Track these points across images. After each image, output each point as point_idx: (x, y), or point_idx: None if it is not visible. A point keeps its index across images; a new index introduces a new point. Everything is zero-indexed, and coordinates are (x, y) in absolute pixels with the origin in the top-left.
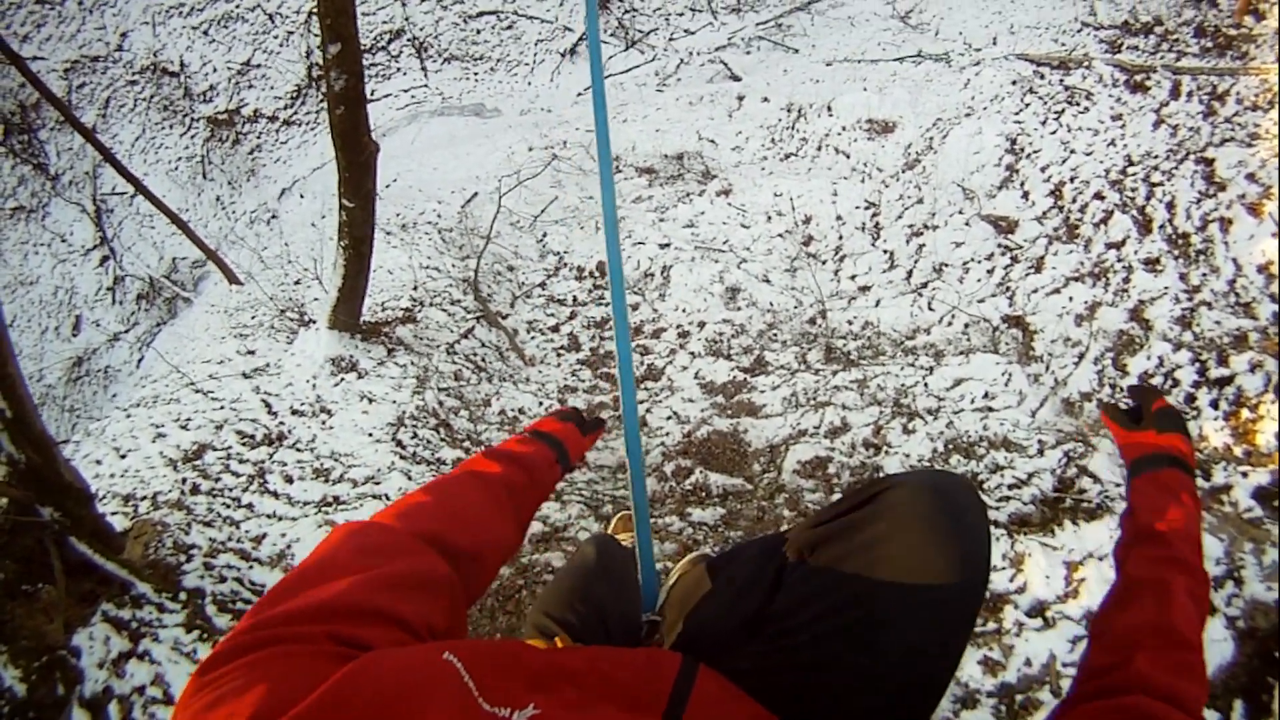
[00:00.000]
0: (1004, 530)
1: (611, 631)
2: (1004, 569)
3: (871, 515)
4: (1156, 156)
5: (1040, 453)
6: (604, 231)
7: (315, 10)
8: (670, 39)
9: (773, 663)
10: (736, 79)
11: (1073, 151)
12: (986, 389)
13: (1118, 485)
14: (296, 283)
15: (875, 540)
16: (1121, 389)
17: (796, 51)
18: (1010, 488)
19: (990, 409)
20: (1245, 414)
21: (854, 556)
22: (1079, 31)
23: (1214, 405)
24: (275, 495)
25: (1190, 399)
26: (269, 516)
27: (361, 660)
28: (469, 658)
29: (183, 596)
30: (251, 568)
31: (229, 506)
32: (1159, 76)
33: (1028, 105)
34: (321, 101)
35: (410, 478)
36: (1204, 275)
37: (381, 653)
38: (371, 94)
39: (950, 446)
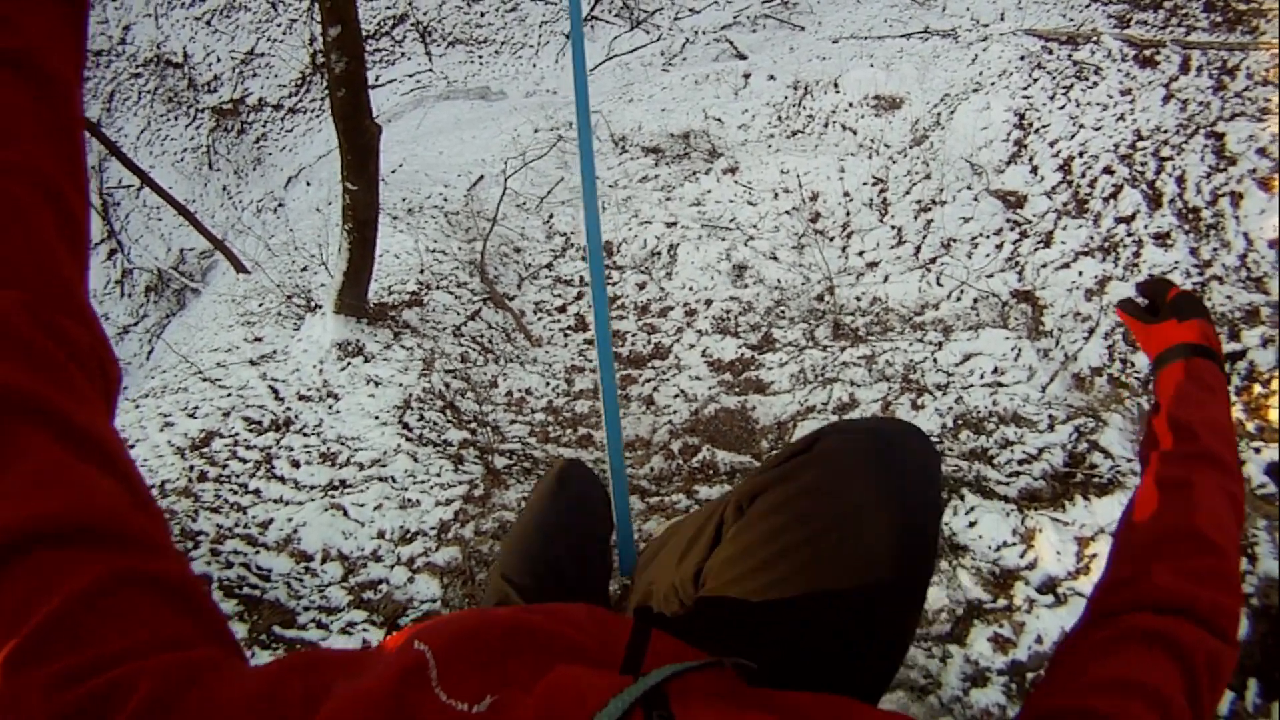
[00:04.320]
0: (1014, 506)
1: (573, 593)
2: (1015, 545)
3: (805, 463)
4: (1166, 131)
5: (1051, 428)
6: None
7: None
8: (676, 18)
9: (708, 618)
10: (742, 57)
11: (1081, 126)
12: (996, 364)
13: (1129, 460)
14: (303, 269)
15: (805, 490)
16: (1131, 359)
17: (803, 29)
18: (1020, 463)
19: (1000, 384)
20: (1258, 389)
21: (785, 507)
22: (1087, 6)
23: (1225, 381)
24: (282, 480)
25: None
26: (276, 501)
27: (313, 657)
28: (439, 643)
29: None
30: (258, 553)
31: (236, 493)
32: (1168, 51)
33: (1036, 80)
34: (325, 89)
35: (416, 459)
36: (1215, 250)
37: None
38: (376, 80)
39: (960, 422)
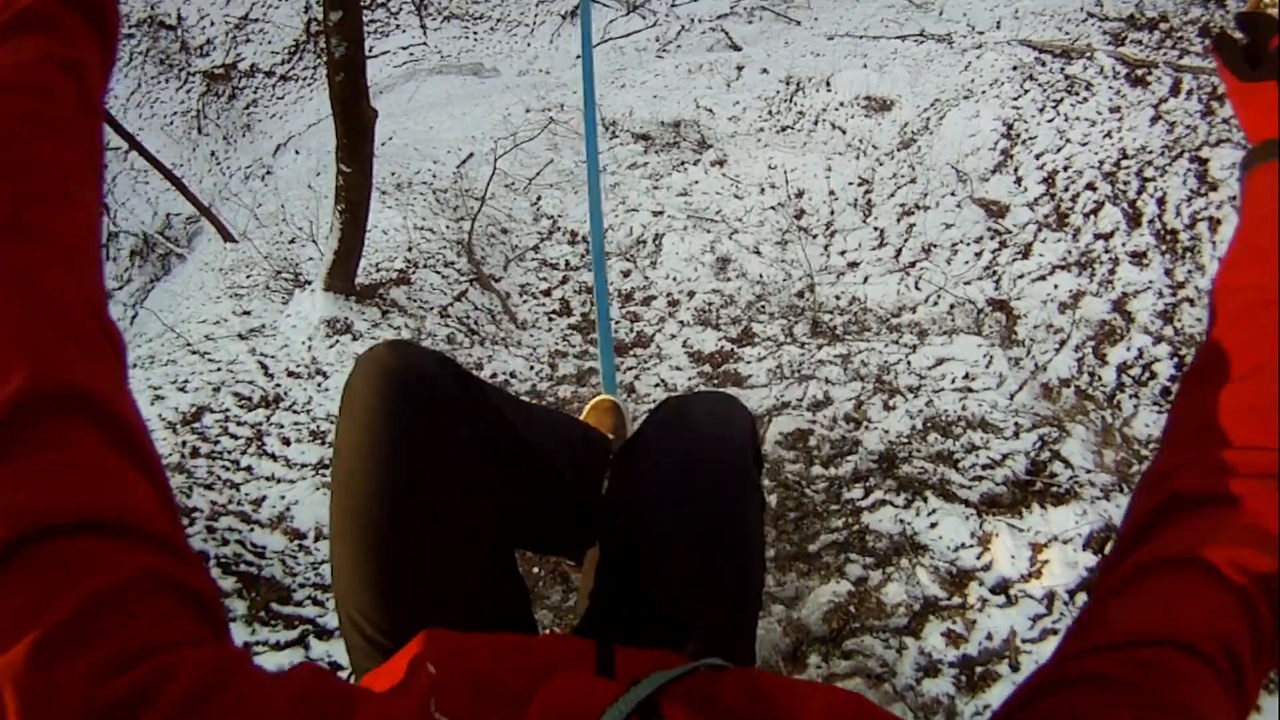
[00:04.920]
0: (974, 510)
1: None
2: (972, 547)
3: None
4: (1151, 152)
5: (1016, 435)
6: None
7: None
8: (673, 4)
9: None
10: (737, 49)
11: (1068, 140)
12: (967, 370)
13: (1089, 471)
14: (291, 241)
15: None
16: (1099, 372)
17: (799, 24)
18: (984, 468)
19: (970, 389)
20: None
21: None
22: (1084, 21)
23: None
24: (273, 458)
25: (1165, 392)
26: (268, 479)
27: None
28: (441, 663)
29: None
30: (252, 530)
31: (228, 469)
32: (1160, 73)
33: (1027, 92)
34: (319, 57)
35: None
36: (1189, 272)
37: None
38: (369, 51)
39: (928, 424)
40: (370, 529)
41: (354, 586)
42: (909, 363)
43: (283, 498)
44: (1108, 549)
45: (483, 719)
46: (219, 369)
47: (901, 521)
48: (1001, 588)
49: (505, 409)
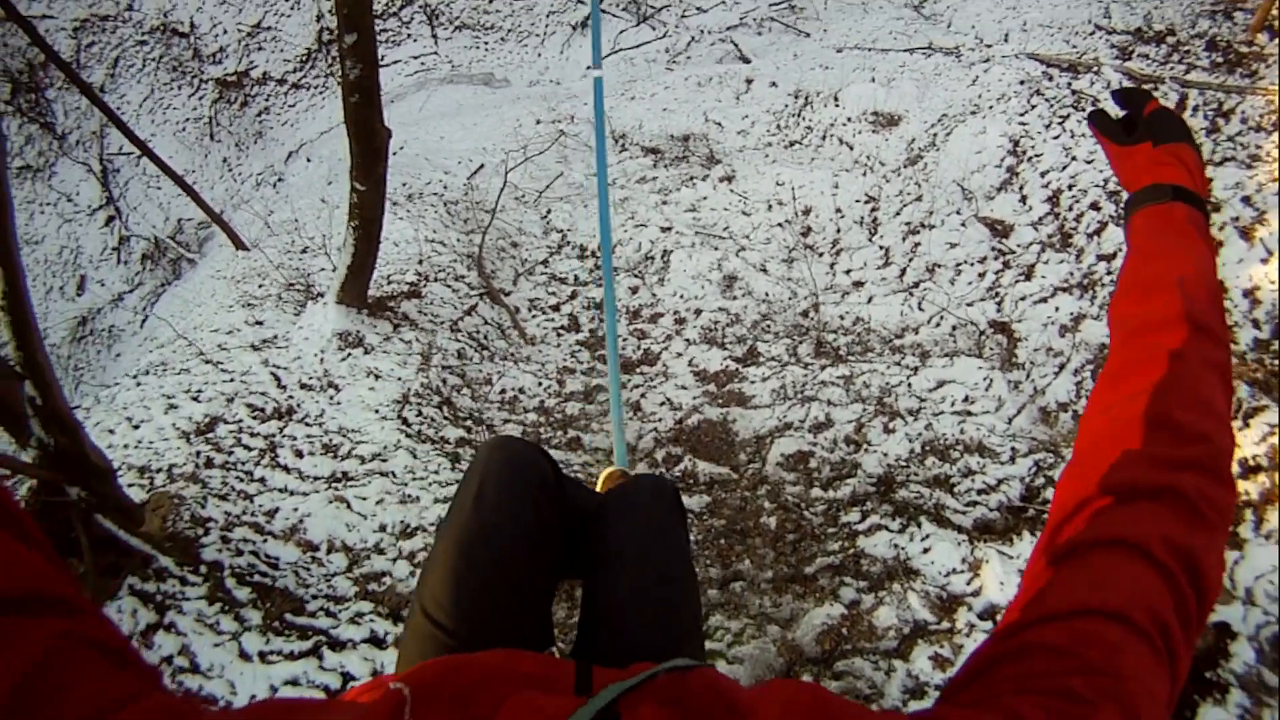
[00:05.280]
0: (966, 536)
1: (507, 621)
2: (963, 572)
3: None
4: None
5: (1012, 460)
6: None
7: None
8: (682, 16)
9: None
10: (746, 61)
11: (1073, 158)
12: (967, 393)
13: None
14: (304, 251)
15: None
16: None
17: (808, 35)
18: (979, 493)
19: (969, 413)
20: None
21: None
22: (1091, 34)
23: None
24: (286, 470)
25: None
26: (281, 491)
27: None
28: (416, 683)
29: (203, 570)
30: (266, 541)
31: (242, 480)
32: (1166, 88)
33: (1033, 107)
34: (330, 66)
35: (416, 455)
36: None
37: (326, 704)
38: (381, 59)
39: (927, 448)
40: (464, 543)
41: (439, 578)
42: (910, 385)
43: (295, 510)
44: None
45: None
46: (232, 379)
47: (896, 546)
48: (989, 613)
49: (566, 483)
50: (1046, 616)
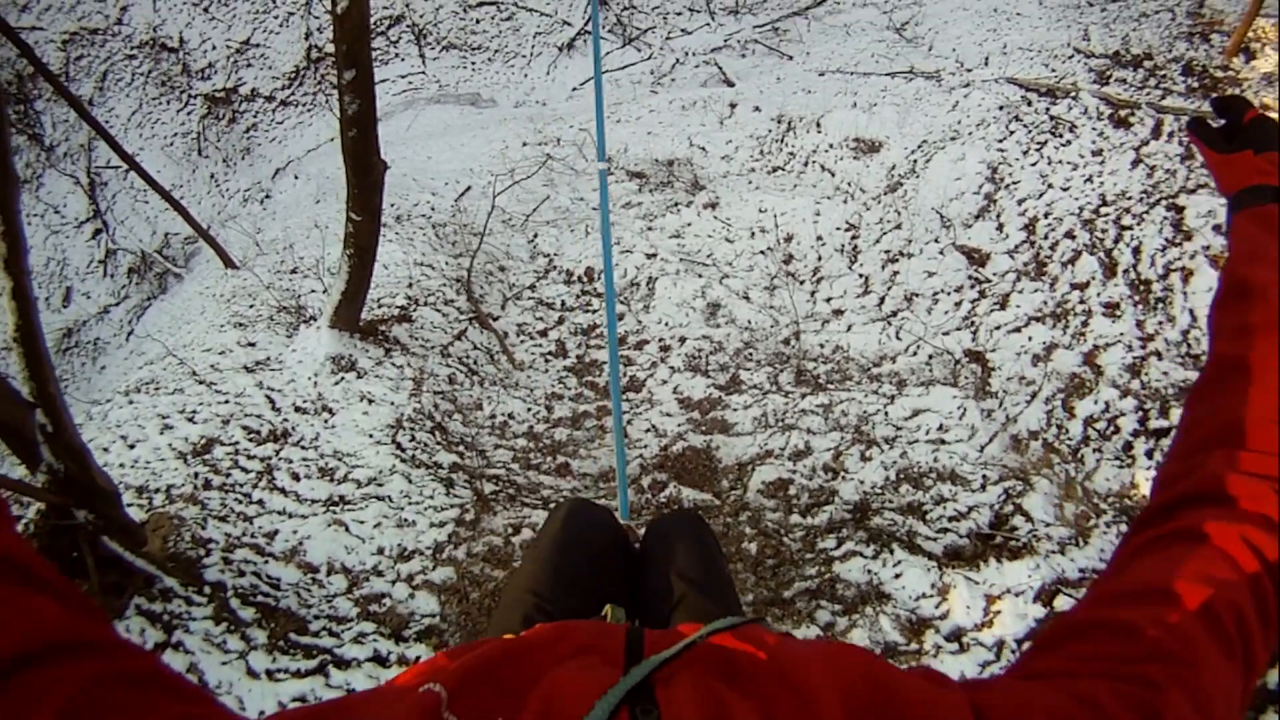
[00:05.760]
0: (936, 563)
1: (591, 598)
2: (932, 597)
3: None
4: (1130, 198)
5: (983, 487)
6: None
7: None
8: (667, 38)
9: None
10: (730, 84)
11: (1050, 185)
12: (942, 421)
13: (1047, 525)
14: (293, 271)
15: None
16: (1066, 425)
17: (791, 58)
18: (950, 520)
19: (943, 441)
20: None
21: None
22: (1070, 58)
23: (1149, 455)
24: (284, 492)
25: (1128, 447)
26: (279, 513)
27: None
28: (451, 674)
29: (207, 590)
30: (267, 562)
31: (241, 502)
32: (1143, 114)
33: (1012, 133)
34: (319, 83)
35: (410, 480)
36: (1159, 324)
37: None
38: None
39: (901, 476)
40: (561, 543)
41: (539, 565)
42: (887, 413)
43: (295, 532)
44: (1083, 585)
45: (489, 715)
46: (227, 401)
47: (869, 571)
48: (956, 636)
49: (615, 526)
50: (1131, 593)
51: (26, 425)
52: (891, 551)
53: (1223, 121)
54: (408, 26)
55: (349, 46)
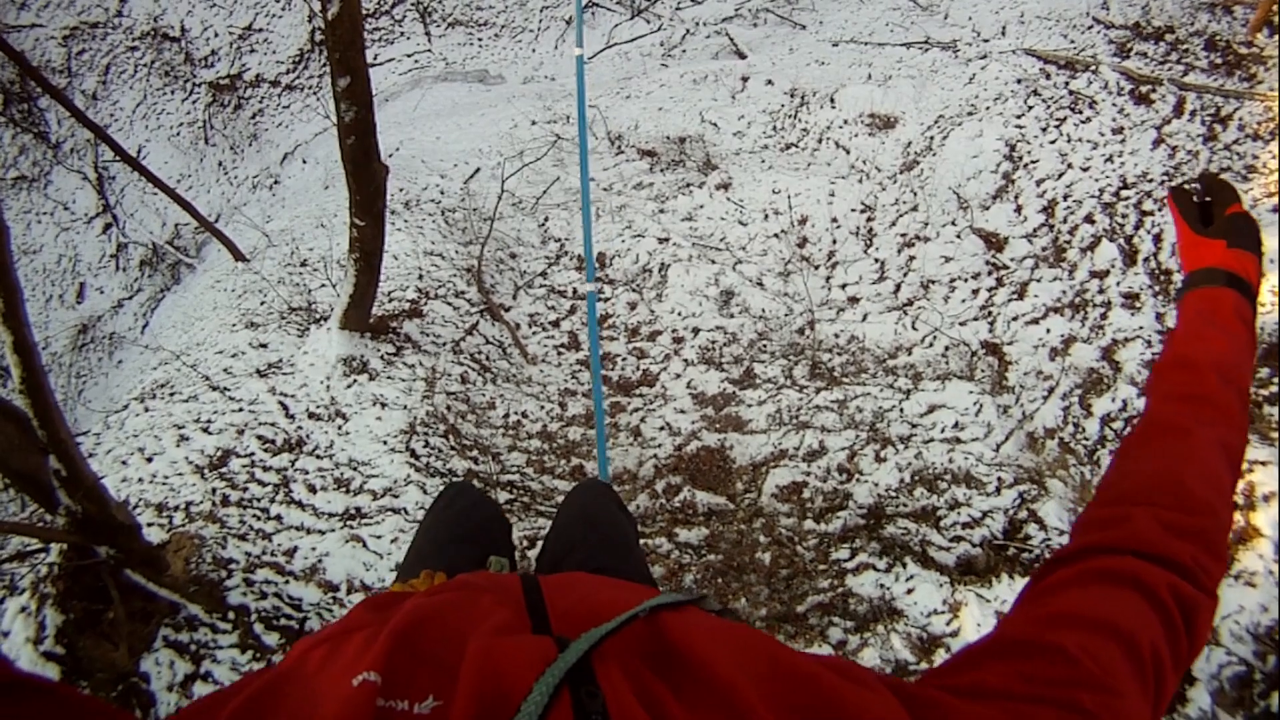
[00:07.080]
0: (948, 578)
1: (471, 557)
2: (943, 613)
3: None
4: (1151, 180)
5: (998, 491)
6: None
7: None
8: (677, 8)
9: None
10: (742, 56)
11: (1070, 165)
12: (957, 418)
13: (1061, 533)
14: (303, 264)
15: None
16: (1083, 424)
17: (804, 28)
18: (964, 526)
19: (958, 439)
20: None
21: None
22: (1090, 28)
23: None
24: (301, 506)
25: None
26: (298, 529)
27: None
28: (379, 658)
29: (231, 616)
30: (288, 582)
31: (259, 518)
32: (1164, 90)
33: (1030, 109)
34: (324, 66)
35: (425, 491)
36: None
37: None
38: (374, 59)
39: (916, 478)
40: (441, 524)
41: (425, 545)
42: (902, 410)
43: (314, 549)
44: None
45: (421, 696)
46: (240, 409)
47: (882, 586)
48: None
49: (496, 504)
50: (1064, 617)
51: (40, 471)
52: (904, 565)
53: (1207, 199)
54: (413, 4)
55: (342, 54)
